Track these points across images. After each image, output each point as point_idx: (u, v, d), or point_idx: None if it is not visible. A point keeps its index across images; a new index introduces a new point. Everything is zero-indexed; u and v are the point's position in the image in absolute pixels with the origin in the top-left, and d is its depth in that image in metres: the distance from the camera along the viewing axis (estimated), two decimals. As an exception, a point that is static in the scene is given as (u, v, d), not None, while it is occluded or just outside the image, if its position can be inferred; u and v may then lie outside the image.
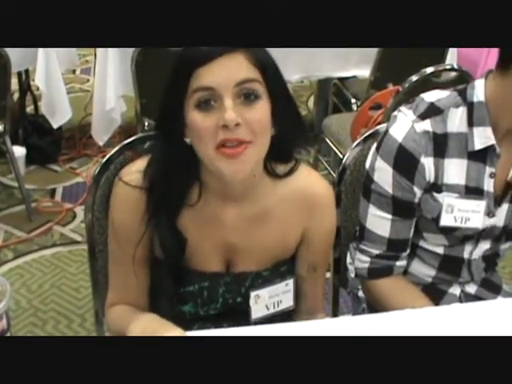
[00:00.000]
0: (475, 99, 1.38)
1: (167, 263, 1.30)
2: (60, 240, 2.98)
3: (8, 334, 1.01)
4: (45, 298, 2.63)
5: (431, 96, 1.44)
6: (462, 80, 2.45)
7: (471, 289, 1.60)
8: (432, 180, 1.41)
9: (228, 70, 1.13)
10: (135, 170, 1.27)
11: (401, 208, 1.44)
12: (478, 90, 1.38)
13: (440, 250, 1.52)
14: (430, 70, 2.41)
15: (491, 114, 1.37)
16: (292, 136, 1.26)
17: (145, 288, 1.35)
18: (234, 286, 1.32)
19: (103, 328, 1.63)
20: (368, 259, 1.51)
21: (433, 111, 1.40)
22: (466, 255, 1.53)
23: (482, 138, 1.38)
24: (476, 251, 1.53)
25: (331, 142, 2.98)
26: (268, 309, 1.33)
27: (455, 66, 2.46)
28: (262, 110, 1.16)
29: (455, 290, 1.58)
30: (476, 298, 1.58)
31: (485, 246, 1.53)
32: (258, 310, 1.32)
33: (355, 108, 3.24)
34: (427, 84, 2.40)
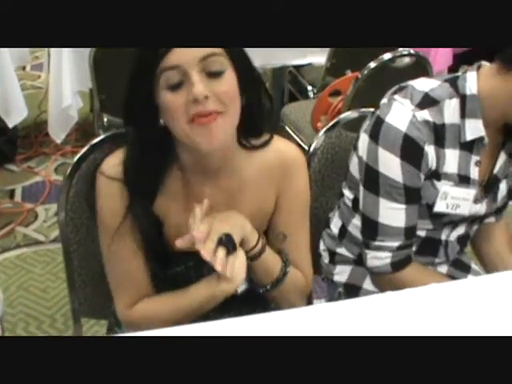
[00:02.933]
0: (468, 92, 1.41)
1: (152, 248, 1.32)
2: (23, 241, 2.94)
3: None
4: (12, 301, 2.59)
5: (422, 85, 1.45)
6: (419, 65, 2.51)
7: (443, 269, 1.65)
8: (433, 168, 1.44)
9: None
10: (114, 163, 1.29)
11: (412, 195, 1.44)
12: (471, 83, 1.41)
13: (422, 233, 1.55)
14: (387, 56, 2.44)
15: (482, 106, 1.40)
16: (259, 106, 1.29)
17: (149, 276, 1.35)
18: None
19: (81, 326, 1.63)
20: (389, 254, 1.50)
21: (429, 101, 1.41)
22: (443, 237, 1.57)
23: (474, 129, 1.42)
24: (453, 234, 1.57)
25: (291, 130, 3.00)
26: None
27: (412, 52, 2.50)
28: (228, 81, 1.20)
29: (428, 271, 1.62)
30: (448, 277, 1.62)
31: (461, 229, 1.58)
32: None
33: (312, 95, 3.26)
34: (385, 70, 2.44)
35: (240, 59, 1.23)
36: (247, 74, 1.24)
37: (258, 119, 1.32)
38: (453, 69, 3.23)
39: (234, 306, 1.38)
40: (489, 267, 1.66)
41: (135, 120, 1.26)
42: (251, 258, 1.30)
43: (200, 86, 1.15)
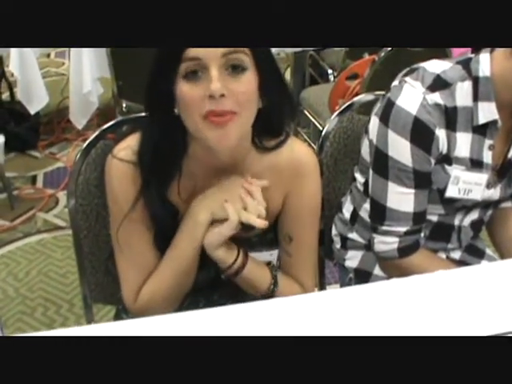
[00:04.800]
0: (481, 74, 1.37)
1: (160, 235, 1.31)
2: (44, 226, 2.97)
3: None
4: (32, 286, 2.63)
5: (434, 67, 1.41)
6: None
7: (456, 255, 1.62)
8: (444, 152, 1.41)
9: None
10: (126, 146, 1.28)
11: (421, 180, 1.42)
12: (484, 65, 1.37)
13: (434, 218, 1.52)
14: (405, 37, 2.39)
15: (496, 89, 1.37)
16: (280, 109, 1.27)
17: (157, 262, 1.33)
18: None
19: (92, 312, 1.64)
20: (396, 239, 1.48)
21: (441, 84, 1.38)
22: (456, 222, 1.54)
23: (487, 112, 1.38)
24: (466, 219, 1.54)
25: (310, 113, 2.98)
26: None
27: (430, 33, 2.44)
28: (248, 82, 1.17)
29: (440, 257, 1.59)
30: (461, 263, 1.60)
31: (474, 214, 1.55)
32: None
33: (332, 79, 3.23)
34: (402, 52, 2.40)
35: (264, 60, 1.20)
36: (270, 76, 1.21)
37: (277, 121, 1.30)
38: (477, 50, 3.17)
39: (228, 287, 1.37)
40: (503, 253, 1.62)
41: (152, 106, 1.25)
42: (232, 275, 1.29)
43: (218, 84, 1.12)
